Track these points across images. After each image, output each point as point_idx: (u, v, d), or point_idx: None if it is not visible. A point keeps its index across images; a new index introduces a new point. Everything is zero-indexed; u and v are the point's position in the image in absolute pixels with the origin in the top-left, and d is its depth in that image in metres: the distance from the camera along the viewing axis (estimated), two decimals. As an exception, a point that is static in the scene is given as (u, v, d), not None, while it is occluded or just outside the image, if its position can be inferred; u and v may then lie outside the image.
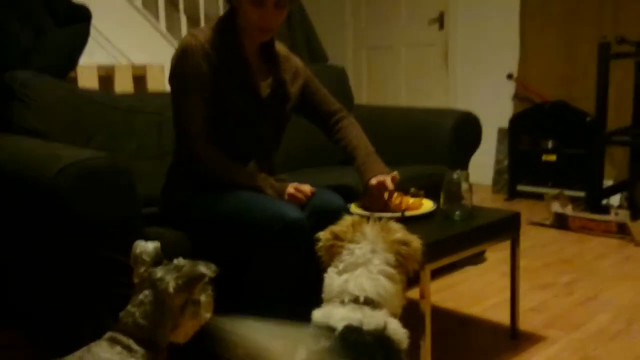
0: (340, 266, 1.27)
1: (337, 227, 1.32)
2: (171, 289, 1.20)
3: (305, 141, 2.81)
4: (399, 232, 1.30)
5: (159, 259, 1.27)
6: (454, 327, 2.29)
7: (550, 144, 4.11)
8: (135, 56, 3.64)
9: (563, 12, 4.14)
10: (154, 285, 1.22)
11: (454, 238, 1.89)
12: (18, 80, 2.14)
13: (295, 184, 1.85)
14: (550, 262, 3.00)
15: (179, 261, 1.26)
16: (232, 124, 1.90)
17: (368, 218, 1.35)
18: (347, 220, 1.34)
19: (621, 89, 3.82)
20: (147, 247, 1.27)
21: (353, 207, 1.99)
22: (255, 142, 1.96)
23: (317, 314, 1.24)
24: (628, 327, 2.24)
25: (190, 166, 1.89)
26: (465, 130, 2.80)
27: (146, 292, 1.23)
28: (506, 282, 2.24)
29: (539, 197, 4.04)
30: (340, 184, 2.25)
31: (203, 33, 1.87)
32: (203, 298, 1.28)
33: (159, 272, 1.23)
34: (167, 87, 3.58)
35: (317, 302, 1.35)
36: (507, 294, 2.18)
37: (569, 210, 3.55)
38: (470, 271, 2.88)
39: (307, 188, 1.84)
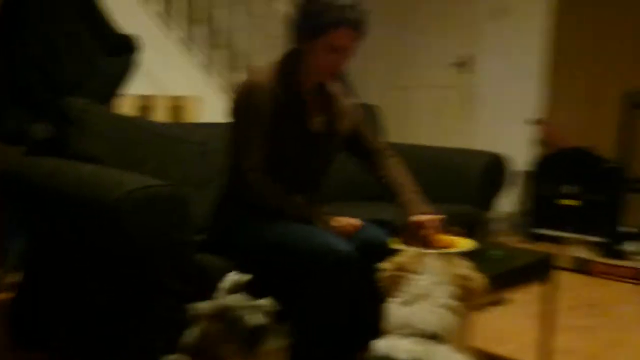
0: (404, 297, 1.30)
1: (400, 258, 1.37)
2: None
3: (337, 176, 2.90)
4: (463, 267, 1.34)
5: (238, 288, 1.38)
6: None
7: (571, 189, 4.18)
8: (173, 88, 3.76)
9: (589, 61, 4.26)
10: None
11: (493, 278, 1.95)
12: (75, 107, 2.24)
13: (344, 217, 1.92)
14: (573, 305, 3.04)
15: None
16: (285, 158, 1.99)
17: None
18: (410, 251, 1.39)
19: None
20: (233, 277, 1.40)
21: (393, 243, 2.06)
22: (306, 175, 2.05)
23: (380, 345, 1.27)
24: (654, 373, 2.29)
25: (244, 196, 1.97)
26: (494, 172, 2.88)
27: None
28: (529, 324, 2.29)
29: (558, 240, 4.09)
30: (378, 218, 2.32)
31: (266, 71, 1.98)
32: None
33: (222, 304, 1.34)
34: (203, 118, 3.71)
35: (367, 334, 1.40)
36: (531, 336, 2.22)
37: (591, 255, 3.60)
38: (494, 312, 2.93)
39: (355, 222, 1.92)
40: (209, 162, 2.55)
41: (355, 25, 1.89)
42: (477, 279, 1.34)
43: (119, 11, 3.22)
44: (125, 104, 3.25)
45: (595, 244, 3.82)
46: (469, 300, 1.32)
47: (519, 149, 4.50)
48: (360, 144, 2.20)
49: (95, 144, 2.21)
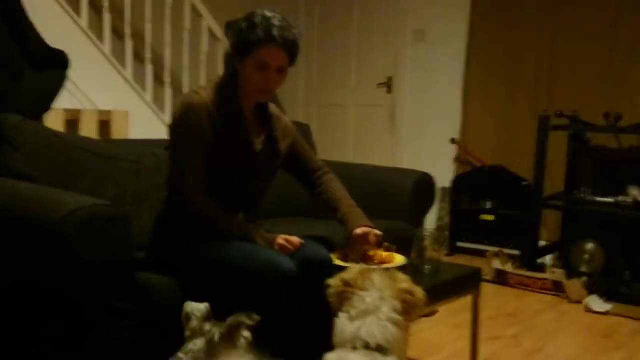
0: (352, 312, 1.36)
1: (347, 275, 1.43)
2: (217, 338, 1.34)
3: (271, 192, 2.93)
4: (405, 282, 1.43)
5: (209, 317, 1.43)
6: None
7: (488, 205, 4.40)
8: (101, 102, 3.69)
9: (503, 84, 4.51)
10: (203, 335, 1.38)
11: (427, 291, 2.04)
12: (7, 124, 2.17)
13: (284, 236, 1.96)
14: (495, 315, 3.21)
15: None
16: (226, 177, 2.01)
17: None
18: (355, 268, 1.46)
19: (554, 157, 4.17)
20: (199, 306, 1.44)
21: (333, 259, 2.11)
22: (246, 194, 2.08)
23: (331, 357, 1.33)
24: (573, 378, 2.45)
25: (185, 215, 1.97)
26: (423, 190, 3.00)
27: (196, 341, 1.38)
28: (458, 333, 2.39)
29: (478, 253, 4.30)
30: (315, 234, 2.38)
31: (205, 91, 2.00)
32: (240, 344, 1.40)
33: (208, 326, 1.39)
34: (131, 134, 3.65)
35: (315, 349, 1.45)
36: (461, 345, 2.34)
37: (508, 267, 3.80)
38: (423, 323, 3.04)
39: (296, 240, 1.96)
40: (143, 179, 2.53)
41: (283, 43, 1.93)
42: (419, 292, 1.43)
43: (46, 26, 3.14)
44: (51, 118, 3.15)
45: (514, 256, 4.04)
46: (411, 313, 1.40)
47: (440, 166, 4.70)
48: (299, 162, 2.25)
49: (29, 162, 2.15)
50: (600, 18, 4.10)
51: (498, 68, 4.53)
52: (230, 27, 2.02)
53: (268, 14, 1.94)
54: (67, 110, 3.35)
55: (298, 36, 1.99)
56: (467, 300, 2.32)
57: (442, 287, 2.13)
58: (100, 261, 1.69)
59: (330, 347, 1.41)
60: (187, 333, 1.41)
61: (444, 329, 2.96)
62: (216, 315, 1.60)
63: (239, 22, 1.98)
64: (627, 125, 3.73)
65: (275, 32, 1.91)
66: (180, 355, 1.37)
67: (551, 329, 3.04)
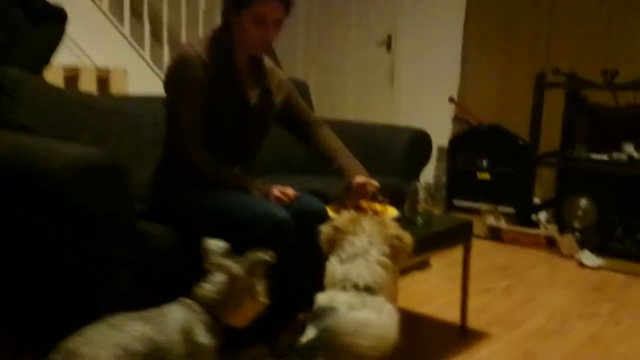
0: (342, 256, 1.44)
1: (337, 221, 1.49)
2: (240, 272, 1.44)
3: (268, 148, 2.98)
4: (393, 227, 1.48)
5: (228, 253, 1.50)
6: (407, 324, 2.50)
7: (484, 163, 4.44)
8: (99, 59, 3.70)
9: (500, 43, 4.50)
10: (225, 270, 1.46)
11: (419, 242, 2.10)
12: (7, 76, 2.19)
13: (279, 187, 2.01)
14: (487, 269, 3.28)
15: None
16: (221, 129, 2.05)
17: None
18: (346, 215, 1.51)
19: (551, 115, 4.19)
20: (217, 243, 1.50)
21: (327, 210, 2.17)
22: (241, 146, 2.12)
23: (322, 298, 1.40)
24: (561, 327, 2.53)
25: (182, 166, 2.01)
26: (418, 146, 3.04)
27: (220, 275, 1.46)
28: (451, 285, 2.46)
29: (474, 211, 4.35)
30: (310, 188, 2.42)
31: (200, 44, 2.02)
32: (261, 286, 1.49)
33: (230, 261, 1.47)
34: (129, 90, 3.67)
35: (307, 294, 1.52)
36: (453, 296, 2.41)
37: (502, 224, 3.87)
38: (417, 275, 3.12)
39: (290, 191, 2.01)
40: (143, 134, 2.56)
41: None
42: (407, 238, 1.51)
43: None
44: (49, 75, 3.17)
45: (508, 214, 4.10)
46: (399, 257, 1.48)
47: (439, 125, 4.72)
48: (293, 115, 2.28)
49: (29, 114, 2.18)
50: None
51: (496, 27, 4.51)
52: None
53: None
54: (65, 67, 3.36)
55: None
56: (460, 255, 2.38)
57: (433, 237, 2.18)
58: (99, 209, 1.73)
59: (321, 289, 1.48)
60: (207, 266, 1.49)
61: (437, 281, 3.04)
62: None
63: None
64: (623, 82, 3.74)
65: None
66: (207, 286, 1.44)
67: (542, 282, 3.11)
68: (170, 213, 2.01)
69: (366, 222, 1.48)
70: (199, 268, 1.70)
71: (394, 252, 1.46)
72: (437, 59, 4.86)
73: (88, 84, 3.44)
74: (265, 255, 1.47)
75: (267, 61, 2.20)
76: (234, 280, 1.45)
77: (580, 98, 4.11)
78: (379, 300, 1.39)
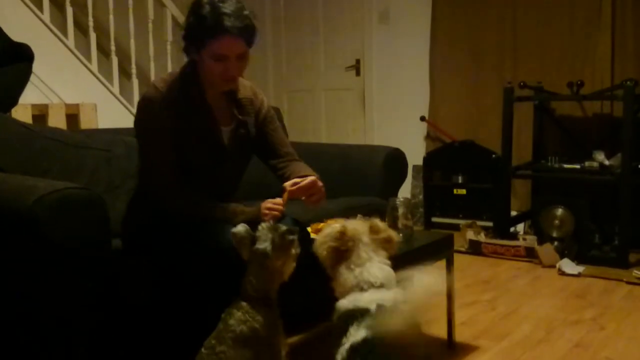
0: (351, 265, 1.51)
1: (335, 241, 1.54)
2: (271, 255, 1.60)
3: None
4: (384, 231, 1.60)
5: (253, 237, 1.62)
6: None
7: (460, 179, 4.48)
8: (67, 95, 3.67)
9: (467, 60, 4.57)
10: (259, 257, 1.60)
11: (400, 257, 2.09)
12: (-27, 115, 2.17)
13: (268, 201, 1.95)
14: (471, 283, 3.28)
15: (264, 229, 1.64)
16: (196, 171, 1.99)
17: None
18: (335, 227, 1.55)
19: (521, 128, 4.25)
20: (241, 231, 1.62)
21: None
22: (219, 185, 2.06)
23: (344, 302, 1.46)
24: (547, 336, 2.52)
25: (162, 210, 1.96)
26: (394, 164, 3.05)
27: (254, 264, 1.61)
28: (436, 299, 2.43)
29: (452, 227, 4.37)
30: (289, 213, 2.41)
31: (165, 83, 1.94)
32: (293, 251, 1.66)
33: (260, 246, 1.60)
34: (99, 125, 3.65)
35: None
36: (438, 311, 2.38)
37: (482, 237, 3.88)
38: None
39: (278, 199, 1.95)
40: (115, 167, 2.54)
41: (238, 33, 1.82)
42: (394, 239, 1.63)
43: (9, 21, 3.12)
44: (18, 114, 3.14)
45: (487, 228, 4.12)
46: (391, 253, 1.60)
47: (412, 145, 4.76)
48: (269, 145, 2.17)
49: (-2, 153, 2.15)
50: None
51: (462, 45, 4.58)
52: (185, 21, 1.92)
53: None
54: (34, 105, 3.33)
55: (251, 17, 1.88)
56: (442, 270, 2.36)
57: (415, 252, 2.18)
58: (75, 244, 1.70)
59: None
60: (245, 257, 1.62)
61: (422, 298, 3.02)
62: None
63: (190, 15, 1.88)
64: (589, 93, 3.82)
65: (226, 22, 1.80)
66: (248, 277, 1.61)
67: (526, 292, 3.12)
68: (145, 242, 1.98)
69: (364, 235, 1.56)
70: (171, 302, 1.68)
71: (389, 249, 1.59)
72: (406, 80, 4.92)
73: (57, 121, 3.41)
74: (290, 235, 1.63)
75: (247, 89, 2.12)
76: (267, 264, 1.61)
77: (549, 110, 4.18)
78: (395, 292, 1.47)
